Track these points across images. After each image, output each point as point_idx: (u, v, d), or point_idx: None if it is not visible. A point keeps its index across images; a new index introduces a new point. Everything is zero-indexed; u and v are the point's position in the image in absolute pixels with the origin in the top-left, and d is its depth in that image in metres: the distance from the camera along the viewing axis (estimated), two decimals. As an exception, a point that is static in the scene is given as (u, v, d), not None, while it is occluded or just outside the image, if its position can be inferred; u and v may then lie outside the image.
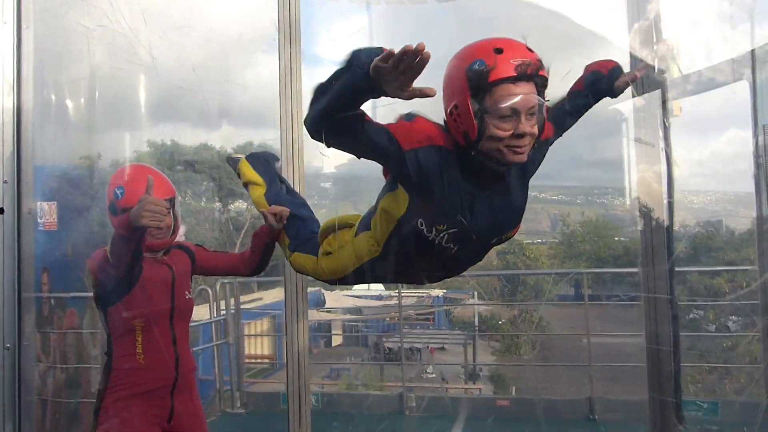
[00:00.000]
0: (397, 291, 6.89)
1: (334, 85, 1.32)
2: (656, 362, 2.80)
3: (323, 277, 2.05)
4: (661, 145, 2.88)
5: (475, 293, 16.24)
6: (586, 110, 1.92)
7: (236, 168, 2.52)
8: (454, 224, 1.54)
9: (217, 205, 20.55)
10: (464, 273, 1.84)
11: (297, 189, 3.23)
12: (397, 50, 1.20)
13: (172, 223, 2.12)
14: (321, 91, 1.36)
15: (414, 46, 1.17)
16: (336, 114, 1.36)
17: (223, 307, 5.15)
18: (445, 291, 17.50)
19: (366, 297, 16.68)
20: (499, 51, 1.36)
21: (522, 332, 15.05)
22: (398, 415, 5.09)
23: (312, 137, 1.45)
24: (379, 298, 16.53)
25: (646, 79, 2.89)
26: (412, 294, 16.41)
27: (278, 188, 2.39)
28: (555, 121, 1.73)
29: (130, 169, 2.11)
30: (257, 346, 11.74)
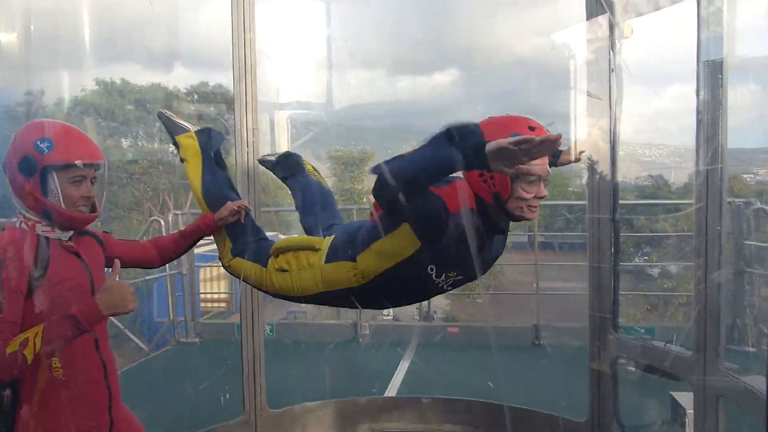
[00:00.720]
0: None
1: (428, 156, 1.47)
2: (597, 283, 2.93)
3: (270, 290, 2.07)
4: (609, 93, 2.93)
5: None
6: None
7: (175, 138, 2.38)
8: (466, 272, 1.77)
9: (171, 147, 19.97)
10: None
11: (249, 137, 3.18)
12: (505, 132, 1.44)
13: (100, 194, 1.81)
14: (410, 159, 1.50)
15: (554, 136, 1.33)
16: (422, 181, 1.55)
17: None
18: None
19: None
20: (532, 129, 1.58)
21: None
22: (352, 343, 5.22)
23: (379, 190, 1.60)
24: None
25: (598, 5, 2.91)
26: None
27: (220, 178, 2.28)
28: None
29: (56, 125, 1.76)
30: (212, 286, 11.67)
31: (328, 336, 5.26)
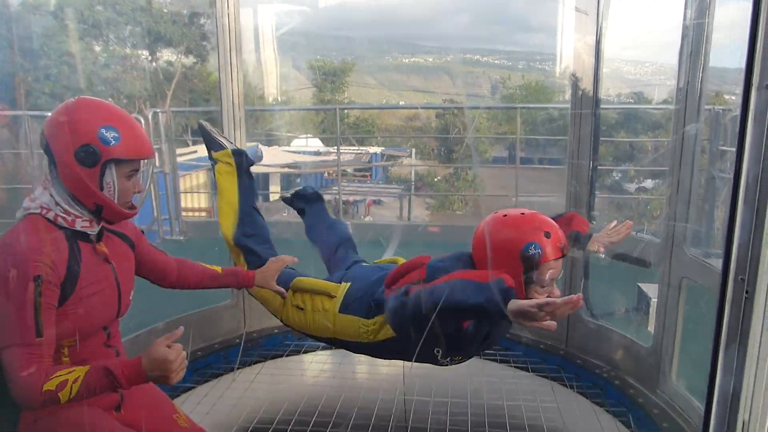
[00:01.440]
0: (335, 147, 6.90)
1: (459, 300, 1.53)
2: (575, 179, 3.02)
3: (285, 323, 2.13)
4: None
5: (413, 151, 16.51)
6: None
7: (211, 153, 2.35)
8: (469, 356, 1.92)
9: (145, 52, 19.15)
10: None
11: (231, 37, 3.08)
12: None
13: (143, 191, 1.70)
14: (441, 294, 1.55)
15: (575, 297, 1.34)
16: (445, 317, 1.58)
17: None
18: (383, 148, 17.68)
19: (305, 153, 16.61)
20: (548, 235, 1.65)
21: (456, 192, 15.62)
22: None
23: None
24: (317, 153, 16.51)
25: None
26: (350, 151, 16.46)
27: (259, 223, 2.28)
28: None
29: (118, 113, 1.56)
30: (193, 199, 11.69)
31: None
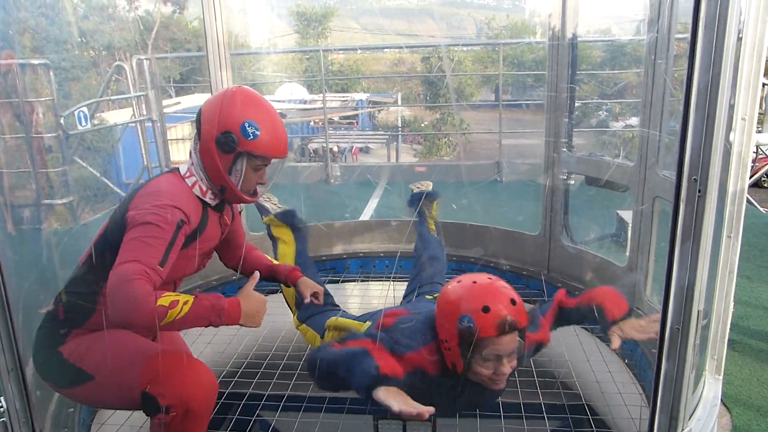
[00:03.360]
0: (321, 95, 6.86)
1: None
2: (554, 109, 3.10)
3: None
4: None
5: (399, 96, 16.38)
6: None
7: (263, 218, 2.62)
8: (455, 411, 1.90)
9: (122, 1, 18.53)
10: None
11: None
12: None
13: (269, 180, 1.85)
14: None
15: (424, 414, 1.41)
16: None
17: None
18: (368, 94, 17.51)
19: (290, 101, 16.44)
20: (486, 310, 1.52)
21: (443, 132, 15.60)
22: (324, 183, 5.45)
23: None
24: (303, 102, 16.34)
25: None
26: (335, 98, 16.29)
27: (304, 253, 2.51)
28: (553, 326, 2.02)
29: (267, 110, 1.72)
30: (180, 150, 11.58)
31: (300, 176, 5.46)
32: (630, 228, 3.08)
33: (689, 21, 1.18)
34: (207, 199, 1.75)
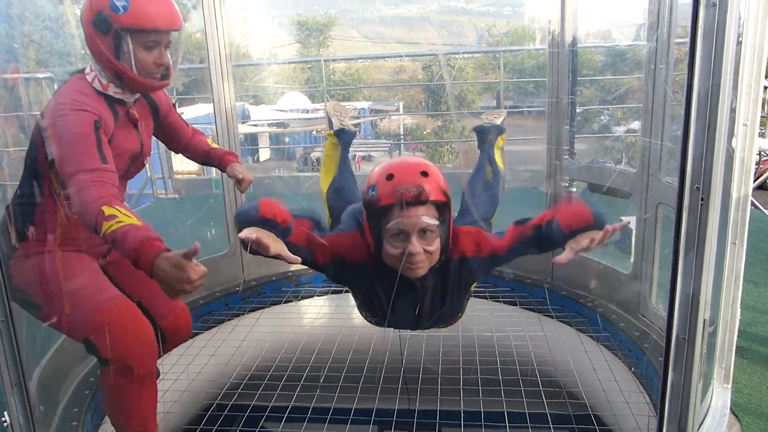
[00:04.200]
0: (323, 103, 6.85)
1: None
2: (555, 115, 3.09)
3: None
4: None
5: (401, 104, 16.41)
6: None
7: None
8: (375, 320, 1.80)
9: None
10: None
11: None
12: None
13: (174, 61, 1.74)
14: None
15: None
16: None
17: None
18: (370, 103, 17.54)
19: (292, 110, 16.49)
20: (390, 177, 1.45)
21: (445, 140, 15.61)
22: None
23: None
24: (305, 111, 16.39)
25: None
26: (338, 107, 16.32)
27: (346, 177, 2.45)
28: (515, 243, 1.67)
29: None
30: (183, 160, 11.61)
31: (303, 187, 5.46)
32: (634, 235, 3.06)
33: (689, 25, 1.18)
34: (111, 93, 1.68)
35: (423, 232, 1.48)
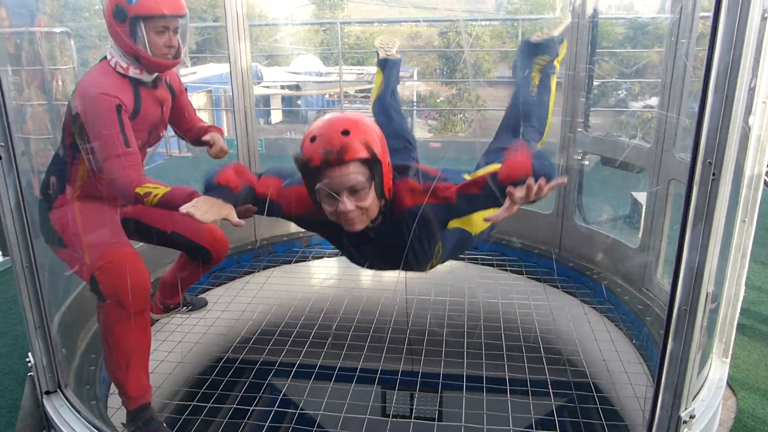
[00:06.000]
0: (337, 67, 6.81)
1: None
2: (571, 88, 3.07)
3: None
4: None
5: (415, 71, 16.20)
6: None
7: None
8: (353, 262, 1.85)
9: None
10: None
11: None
12: None
13: (179, 44, 2.01)
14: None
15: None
16: None
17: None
18: (385, 68, 17.34)
19: (305, 73, 16.35)
20: (313, 140, 1.46)
21: (459, 109, 15.46)
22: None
23: None
24: (319, 74, 16.25)
25: None
26: (351, 71, 16.17)
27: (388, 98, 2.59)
28: (464, 193, 1.58)
29: None
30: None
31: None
32: (644, 210, 3.08)
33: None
34: (132, 75, 1.99)
35: (353, 189, 1.48)
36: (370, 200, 1.51)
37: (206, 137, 2.34)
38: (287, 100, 15.72)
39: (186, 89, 2.35)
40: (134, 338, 1.99)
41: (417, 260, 1.78)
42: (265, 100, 15.04)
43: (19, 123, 2.08)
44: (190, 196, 1.71)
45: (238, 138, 3.32)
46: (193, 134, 2.40)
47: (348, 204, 1.48)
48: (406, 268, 1.89)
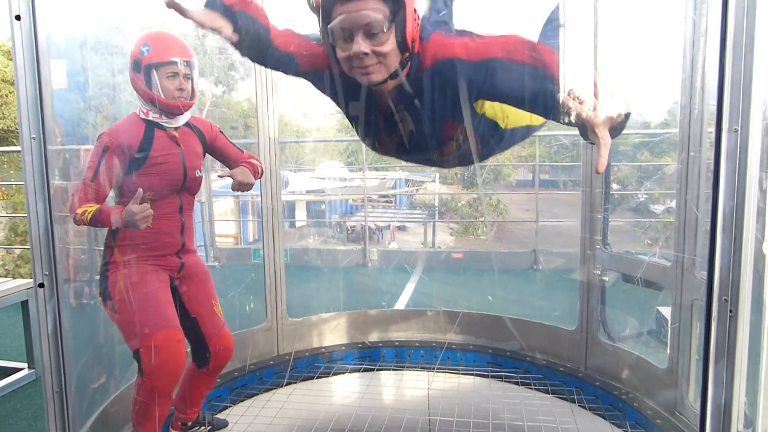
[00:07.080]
0: (361, 171, 7.08)
1: None
2: (589, 206, 3.14)
3: None
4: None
5: (436, 176, 16.66)
6: None
7: None
8: (369, 142, 1.63)
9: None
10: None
11: None
12: None
13: (191, 87, 2.23)
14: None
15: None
16: None
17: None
18: (407, 174, 17.87)
19: (330, 179, 16.93)
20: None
21: (477, 218, 15.66)
22: (361, 267, 5.53)
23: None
24: (343, 179, 16.79)
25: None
26: (374, 177, 16.69)
27: None
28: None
29: (157, 33, 2.22)
30: (220, 225, 11.95)
31: (340, 260, 5.58)
32: (669, 325, 3.03)
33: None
34: (151, 118, 2.21)
35: (369, 31, 1.30)
36: (389, 47, 1.33)
37: (226, 173, 2.41)
38: (313, 210, 16.17)
39: (221, 132, 2.50)
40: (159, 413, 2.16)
41: (434, 137, 1.53)
42: (290, 206, 15.50)
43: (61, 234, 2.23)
44: (117, 211, 2.00)
45: (264, 248, 3.42)
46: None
47: (363, 45, 1.31)
48: (416, 150, 1.61)
